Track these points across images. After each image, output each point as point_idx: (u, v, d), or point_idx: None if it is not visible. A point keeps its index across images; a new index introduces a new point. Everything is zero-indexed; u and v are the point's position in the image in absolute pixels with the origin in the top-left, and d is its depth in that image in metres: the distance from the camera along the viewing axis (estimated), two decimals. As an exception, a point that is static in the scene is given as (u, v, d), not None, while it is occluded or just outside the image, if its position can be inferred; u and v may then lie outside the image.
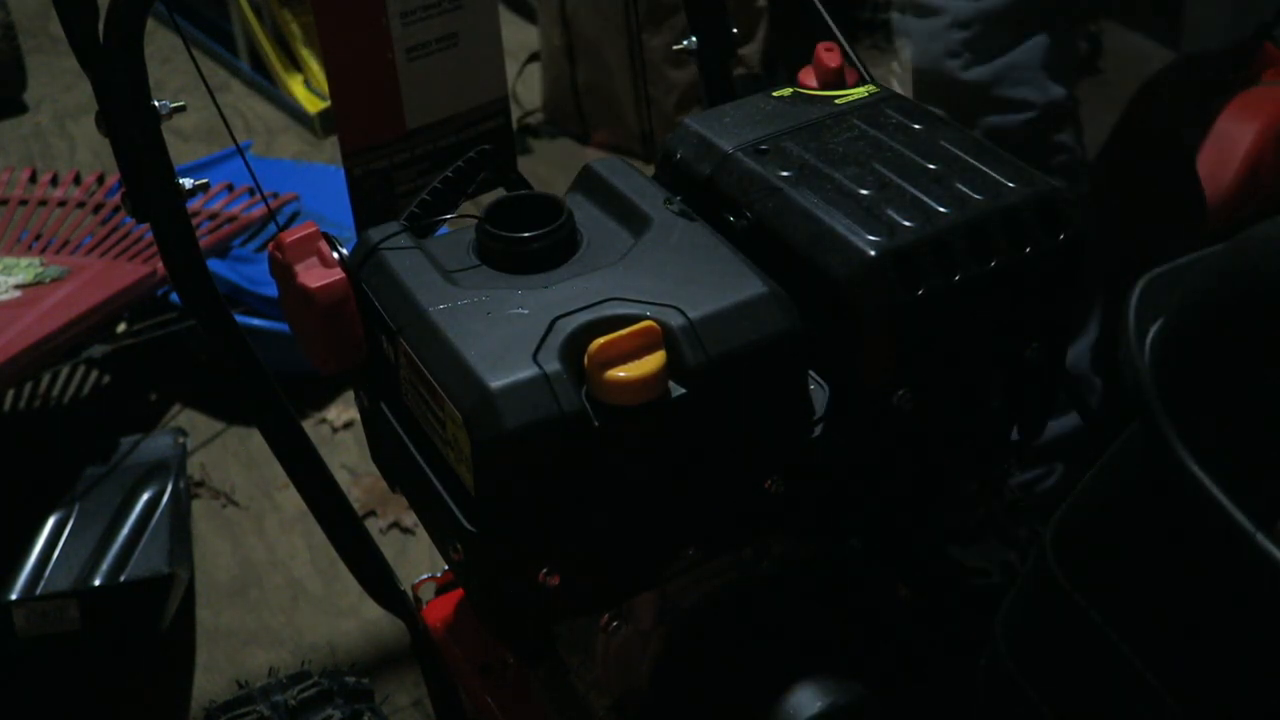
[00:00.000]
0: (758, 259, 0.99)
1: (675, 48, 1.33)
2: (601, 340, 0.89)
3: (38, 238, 2.40)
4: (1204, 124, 2.15)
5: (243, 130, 3.26)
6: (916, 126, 1.07)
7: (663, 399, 0.91)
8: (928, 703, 1.15)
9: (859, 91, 1.13)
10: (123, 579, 1.85)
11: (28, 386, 2.45)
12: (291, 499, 2.23)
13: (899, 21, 1.82)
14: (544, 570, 0.95)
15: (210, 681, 1.96)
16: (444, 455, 0.96)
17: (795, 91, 1.14)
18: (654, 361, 0.90)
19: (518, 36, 3.42)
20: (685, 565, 1.02)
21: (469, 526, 0.94)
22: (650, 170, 1.13)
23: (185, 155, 2.95)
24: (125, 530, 1.91)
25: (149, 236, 2.21)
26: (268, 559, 2.17)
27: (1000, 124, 1.77)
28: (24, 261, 2.26)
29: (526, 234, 0.99)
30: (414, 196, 1.12)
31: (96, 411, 2.45)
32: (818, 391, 1.03)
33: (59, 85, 3.49)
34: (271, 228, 2.56)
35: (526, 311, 0.94)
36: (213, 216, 2.48)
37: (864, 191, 1.00)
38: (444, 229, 1.11)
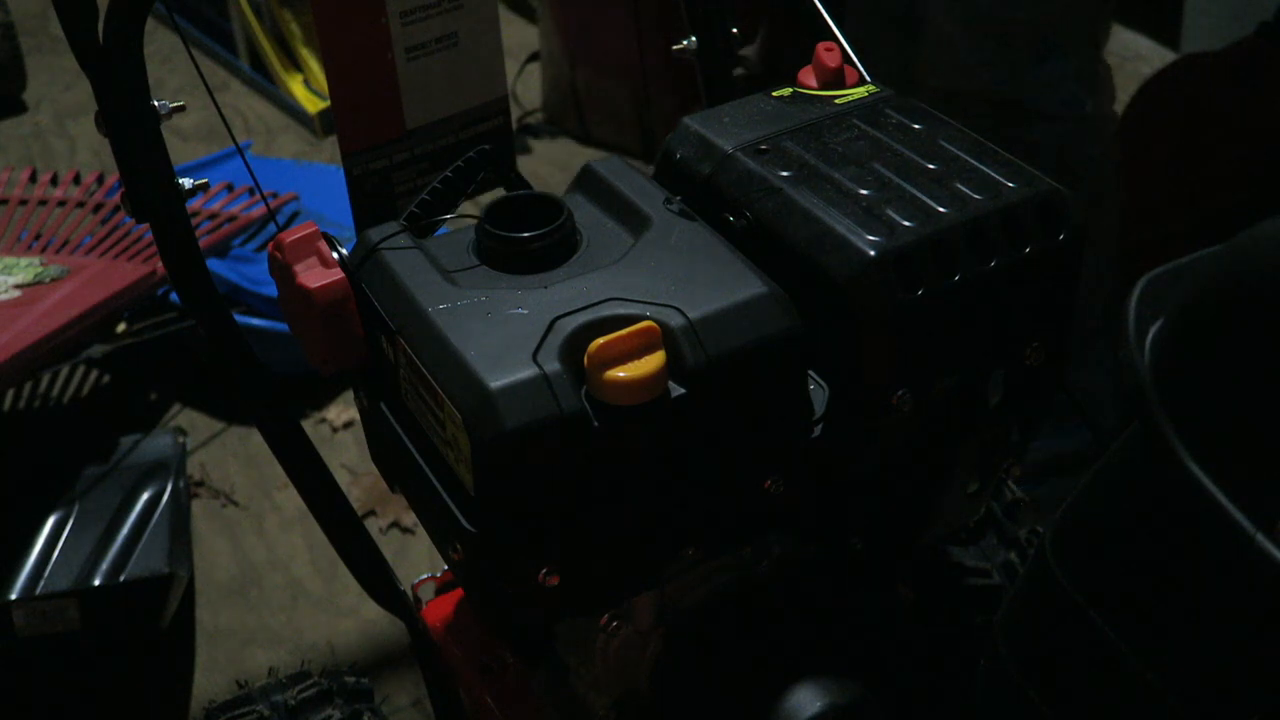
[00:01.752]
0: (758, 259, 0.99)
1: (675, 48, 1.32)
2: (601, 340, 0.89)
3: (37, 237, 2.40)
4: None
5: (242, 130, 3.26)
6: (916, 126, 1.07)
7: (662, 399, 0.91)
8: (928, 703, 1.15)
9: (859, 91, 1.13)
10: (122, 579, 1.84)
11: (28, 386, 2.44)
12: (291, 499, 2.23)
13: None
14: (544, 570, 0.95)
15: (210, 681, 1.96)
16: (444, 455, 0.96)
17: (795, 91, 1.14)
18: (654, 361, 0.89)
19: (518, 36, 3.42)
20: (685, 565, 1.02)
21: (469, 526, 0.94)
22: (650, 170, 1.13)
23: (185, 155, 2.95)
24: (125, 530, 1.91)
25: (149, 236, 2.21)
26: (267, 559, 2.17)
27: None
28: (24, 261, 2.26)
29: (526, 234, 0.99)
30: (414, 196, 1.12)
31: (96, 411, 2.45)
32: (818, 391, 1.03)
33: (59, 85, 3.49)
34: (271, 228, 2.55)
35: (526, 311, 0.94)
36: (213, 216, 2.48)
37: (864, 191, 1.00)
38: (444, 229, 1.11)
